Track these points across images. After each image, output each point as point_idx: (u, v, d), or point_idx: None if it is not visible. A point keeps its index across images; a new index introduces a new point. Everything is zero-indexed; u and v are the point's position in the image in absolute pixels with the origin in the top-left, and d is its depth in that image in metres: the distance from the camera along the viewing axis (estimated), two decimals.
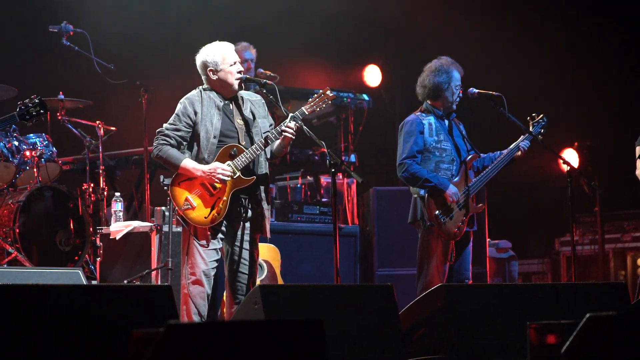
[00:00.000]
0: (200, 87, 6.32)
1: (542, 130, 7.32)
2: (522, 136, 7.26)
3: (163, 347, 3.17)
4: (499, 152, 7.28)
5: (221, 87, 6.27)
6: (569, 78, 11.42)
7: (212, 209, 6.09)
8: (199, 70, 6.33)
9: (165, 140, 6.17)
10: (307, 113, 6.26)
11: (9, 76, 8.89)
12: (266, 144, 6.17)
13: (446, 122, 7.24)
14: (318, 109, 6.33)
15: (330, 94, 6.33)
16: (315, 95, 6.35)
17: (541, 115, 7.37)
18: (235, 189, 6.13)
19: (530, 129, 7.29)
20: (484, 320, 5.70)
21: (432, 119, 7.18)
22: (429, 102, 7.23)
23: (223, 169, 6.08)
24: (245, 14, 11.07)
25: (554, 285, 8.57)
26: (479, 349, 5.59)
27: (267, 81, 6.35)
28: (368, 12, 11.75)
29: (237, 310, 5.71)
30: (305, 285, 6.73)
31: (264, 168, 6.28)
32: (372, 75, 11.83)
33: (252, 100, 6.38)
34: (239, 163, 6.11)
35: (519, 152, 7.23)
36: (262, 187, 6.25)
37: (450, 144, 7.18)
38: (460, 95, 7.23)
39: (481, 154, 7.31)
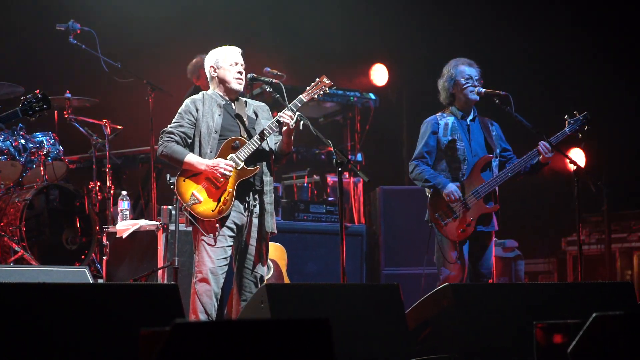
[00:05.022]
0: (204, 91, 6.47)
1: (578, 128, 7.19)
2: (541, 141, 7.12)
3: (170, 346, 3.17)
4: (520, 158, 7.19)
5: (222, 86, 6.37)
6: (576, 77, 11.40)
7: (218, 202, 6.16)
8: (205, 70, 6.46)
9: (169, 137, 6.30)
10: (305, 101, 6.36)
11: (16, 74, 8.90)
12: (263, 135, 6.23)
13: (467, 122, 7.22)
14: (316, 96, 6.42)
15: (327, 81, 6.42)
16: (312, 83, 6.41)
17: (584, 113, 7.26)
18: (240, 180, 6.19)
19: (566, 127, 7.21)
20: (491, 319, 5.69)
21: (451, 119, 7.16)
22: (454, 106, 7.22)
23: (226, 164, 6.16)
24: (251, 13, 11.07)
25: (561, 285, 8.54)
26: (485, 349, 5.59)
27: (274, 80, 6.38)
28: (375, 11, 11.74)
29: (244, 309, 5.72)
30: (311, 285, 6.72)
31: (267, 160, 6.35)
32: (379, 75, 11.82)
33: (255, 104, 6.53)
34: (241, 155, 6.21)
35: (540, 156, 7.09)
36: (265, 179, 6.32)
37: (466, 144, 7.13)
38: (476, 84, 7.15)
39: (501, 156, 7.24)
